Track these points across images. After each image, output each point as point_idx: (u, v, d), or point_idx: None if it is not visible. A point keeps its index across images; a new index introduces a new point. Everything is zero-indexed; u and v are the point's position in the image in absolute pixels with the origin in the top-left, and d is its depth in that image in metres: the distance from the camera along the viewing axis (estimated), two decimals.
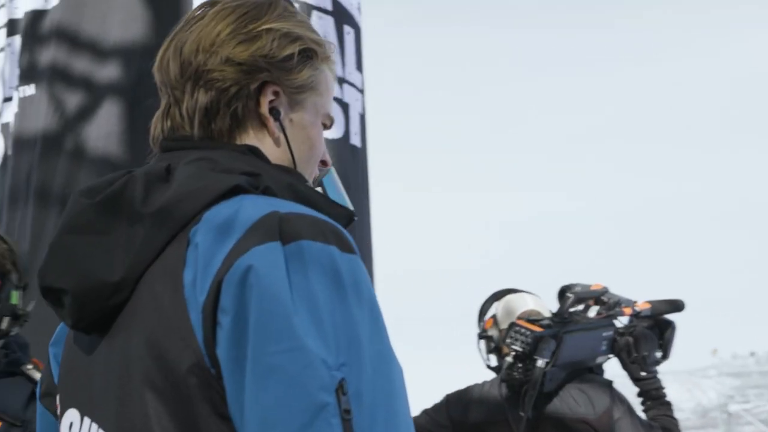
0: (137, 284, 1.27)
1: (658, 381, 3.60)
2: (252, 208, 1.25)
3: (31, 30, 3.80)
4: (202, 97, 1.38)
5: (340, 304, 1.21)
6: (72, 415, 1.37)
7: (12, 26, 3.91)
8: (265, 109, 1.40)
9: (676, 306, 3.72)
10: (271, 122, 1.41)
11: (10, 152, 3.84)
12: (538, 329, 3.43)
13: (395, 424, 1.21)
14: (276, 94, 1.41)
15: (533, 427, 3.50)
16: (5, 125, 3.90)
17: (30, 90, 3.77)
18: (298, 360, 1.17)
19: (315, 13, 3.76)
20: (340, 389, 1.17)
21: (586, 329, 3.54)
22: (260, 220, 1.22)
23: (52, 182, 3.61)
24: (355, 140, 3.87)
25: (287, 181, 1.35)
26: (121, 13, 3.71)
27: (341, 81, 3.81)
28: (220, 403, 1.21)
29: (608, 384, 3.58)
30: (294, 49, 1.42)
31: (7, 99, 3.91)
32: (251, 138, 1.40)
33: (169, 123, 1.42)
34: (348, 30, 3.91)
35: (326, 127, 1.52)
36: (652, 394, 3.58)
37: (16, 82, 3.84)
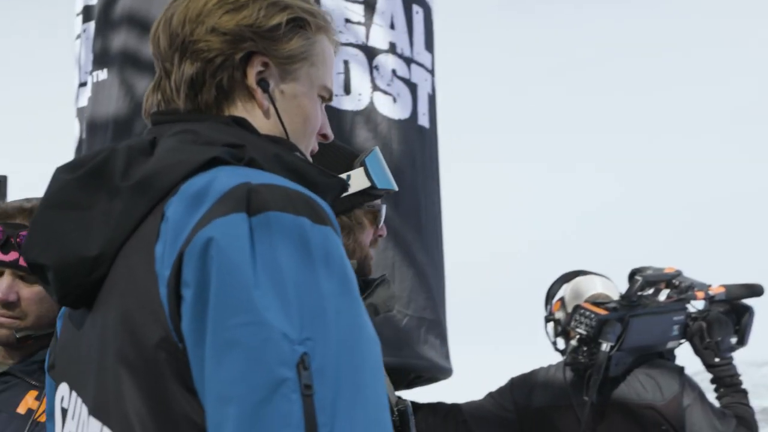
0: (116, 258, 1.27)
1: (733, 368, 3.49)
2: (225, 179, 1.23)
3: (104, 16, 3.86)
4: (189, 69, 1.37)
5: (307, 277, 1.18)
6: (63, 389, 1.38)
7: (87, 13, 3.98)
8: (252, 80, 1.38)
9: (754, 290, 3.60)
10: (259, 93, 1.39)
11: (84, 136, 3.90)
12: (602, 312, 3.35)
13: (362, 400, 1.17)
14: (265, 65, 1.39)
15: (599, 413, 3.43)
16: (81, 109, 3.96)
17: (103, 75, 3.82)
18: (257, 334, 1.15)
19: None
20: (302, 364, 1.14)
21: (655, 313, 3.45)
22: (229, 191, 1.20)
23: None
24: (423, 121, 3.81)
25: (273, 152, 1.33)
26: None
27: (409, 61, 3.77)
28: (189, 377, 1.19)
29: (678, 369, 3.49)
30: (282, 18, 1.39)
31: (83, 84, 3.96)
32: (239, 110, 1.38)
33: (159, 96, 1.41)
34: (417, 9, 3.87)
35: (325, 99, 1.48)
36: (726, 381, 3.47)
37: (90, 67, 3.90)
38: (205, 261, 1.17)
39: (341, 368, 1.17)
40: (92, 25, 3.94)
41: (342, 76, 3.59)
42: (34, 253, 1.32)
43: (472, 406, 3.62)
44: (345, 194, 2.33)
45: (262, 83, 1.38)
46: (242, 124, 1.36)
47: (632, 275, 3.52)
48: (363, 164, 2.36)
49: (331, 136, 1.52)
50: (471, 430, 3.57)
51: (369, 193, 2.34)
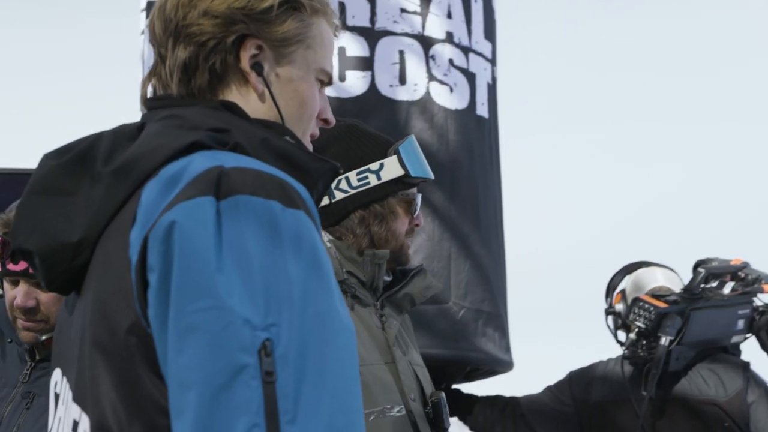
0: (97, 244, 1.27)
1: None
2: (199, 163, 1.21)
3: None
4: (182, 53, 1.36)
5: (275, 261, 1.16)
6: (57, 374, 1.39)
7: (150, 9, 4.04)
8: (245, 63, 1.36)
9: None
10: (253, 77, 1.37)
11: None
12: (662, 305, 3.27)
13: (328, 387, 1.14)
14: (259, 48, 1.37)
15: (659, 409, 3.35)
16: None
17: None
18: (218, 319, 1.13)
19: None
20: (263, 350, 1.12)
21: (719, 306, 3.34)
22: (200, 174, 1.19)
23: None
24: (481, 111, 3.75)
25: (261, 137, 1.30)
26: None
27: (467, 50, 3.72)
28: (157, 363, 1.18)
29: (743, 365, 3.38)
30: (274, 0, 1.38)
31: None
32: (234, 94, 1.37)
33: (155, 82, 1.41)
34: None
35: (323, 83, 1.46)
36: None
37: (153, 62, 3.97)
38: (168, 245, 1.16)
39: (306, 355, 1.14)
40: None
41: (397, 66, 3.55)
42: (19, 240, 1.32)
43: (530, 399, 3.58)
44: (378, 183, 2.33)
45: (257, 67, 1.37)
46: (231, 108, 1.35)
47: (696, 267, 3.43)
48: (396, 152, 2.34)
49: (333, 120, 1.50)
50: (529, 424, 3.54)
51: (403, 182, 2.34)
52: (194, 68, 1.36)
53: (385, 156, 2.33)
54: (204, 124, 1.29)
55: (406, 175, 2.32)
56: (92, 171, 1.28)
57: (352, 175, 2.29)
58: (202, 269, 1.15)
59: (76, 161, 1.30)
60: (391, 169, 2.32)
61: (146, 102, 1.41)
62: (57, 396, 1.38)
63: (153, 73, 1.41)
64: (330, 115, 1.49)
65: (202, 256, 1.15)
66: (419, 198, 2.40)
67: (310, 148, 1.46)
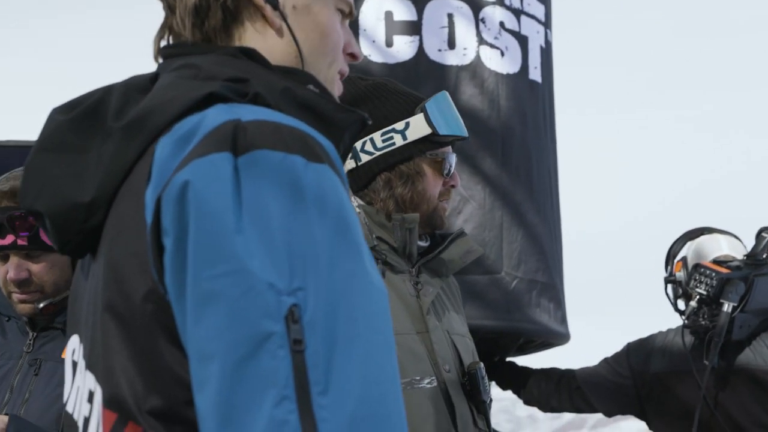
0: (111, 204, 1.19)
1: None
2: (215, 116, 1.13)
3: None
4: None
5: (298, 220, 1.07)
6: (74, 341, 1.33)
7: None
8: None
9: None
10: (269, 11, 1.29)
11: None
12: (725, 271, 3.17)
13: (360, 355, 1.06)
14: None
15: (722, 380, 3.26)
16: None
17: None
18: (238, 284, 1.04)
19: None
20: (291, 317, 1.04)
21: None
22: (214, 129, 1.11)
23: None
24: (534, 75, 3.66)
25: (282, 86, 1.22)
26: None
27: (518, 12, 3.63)
28: (176, 332, 1.10)
29: None
30: None
31: None
32: (250, 33, 1.30)
33: (167, 33, 1.33)
34: None
35: (345, 14, 1.37)
36: None
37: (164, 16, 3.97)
38: (183, 206, 1.08)
39: (336, 321, 1.05)
40: None
41: (446, 30, 3.47)
42: (28, 201, 1.26)
43: (586, 372, 3.53)
44: (403, 143, 2.24)
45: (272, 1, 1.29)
46: (251, 55, 1.27)
47: (759, 233, 3.31)
48: (423, 110, 2.24)
49: (360, 55, 1.41)
50: (585, 397, 3.49)
51: (431, 141, 2.24)
52: (206, 9, 1.28)
53: (411, 114, 2.24)
54: (221, 73, 1.21)
55: (434, 133, 2.23)
56: (103, 126, 1.21)
57: (377, 135, 2.21)
58: (220, 231, 1.06)
59: (85, 116, 1.23)
60: (417, 127, 2.23)
61: (160, 50, 1.34)
62: (75, 364, 1.31)
63: (164, 26, 1.34)
64: (357, 50, 1.40)
65: (220, 217, 1.06)
66: (452, 158, 2.29)
67: (340, 85, 1.39)
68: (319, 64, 1.33)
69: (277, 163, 1.09)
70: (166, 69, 1.26)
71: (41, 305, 2.38)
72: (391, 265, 2.20)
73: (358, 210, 2.19)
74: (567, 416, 15.46)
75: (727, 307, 3.15)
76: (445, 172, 2.26)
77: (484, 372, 2.21)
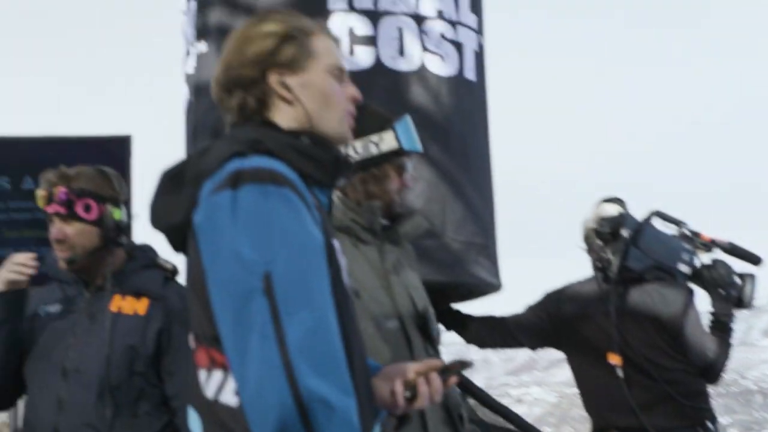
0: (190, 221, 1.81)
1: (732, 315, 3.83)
2: (231, 166, 1.70)
3: None
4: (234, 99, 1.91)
5: (268, 215, 1.62)
6: None
7: None
8: (275, 86, 1.86)
9: (753, 258, 3.91)
10: (285, 93, 1.84)
11: (192, 98, 4.40)
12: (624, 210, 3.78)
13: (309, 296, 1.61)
14: (281, 73, 1.87)
15: (620, 318, 3.78)
16: (188, 76, 4.44)
17: (203, 46, 4.30)
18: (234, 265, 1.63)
19: None
20: (267, 278, 1.58)
21: (667, 235, 3.84)
22: (227, 174, 1.68)
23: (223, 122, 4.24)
24: (469, 75, 4.19)
25: (286, 141, 1.78)
26: None
27: (455, 24, 4.17)
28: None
29: (688, 290, 3.82)
30: (275, 42, 1.87)
31: (188, 54, 4.45)
32: (275, 108, 1.84)
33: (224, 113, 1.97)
34: None
35: (339, 75, 1.87)
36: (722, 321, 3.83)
37: (193, 39, 4.37)
38: (200, 223, 1.70)
39: (292, 276, 1.58)
40: (193, 3, 4.43)
41: (397, 41, 3.99)
42: (151, 223, 1.89)
43: (514, 317, 4.05)
44: (377, 153, 2.87)
45: (283, 86, 1.87)
46: (270, 125, 1.83)
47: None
48: (393, 129, 2.84)
49: (360, 97, 1.89)
50: (514, 335, 4.01)
51: (397, 153, 2.84)
52: (246, 106, 1.87)
53: (383, 129, 2.82)
54: (246, 138, 1.76)
55: (400, 148, 2.83)
56: (183, 179, 1.82)
57: (357, 144, 2.79)
58: (222, 234, 1.63)
59: (175, 173, 1.85)
60: (387, 142, 2.81)
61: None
62: None
63: (222, 109, 1.95)
64: (356, 93, 1.89)
65: (222, 224, 1.64)
66: (409, 165, 2.90)
67: (351, 121, 1.89)
68: (327, 117, 1.85)
69: (256, 188, 1.64)
70: (225, 135, 1.88)
71: (71, 257, 2.88)
72: (361, 239, 2.78)
73: (336, 201, 2.77)
74: (520, 359, 15.98)
75: (624, 232, 3.73)
76: (404, 176, 2.89)
77: (432, 315, 2.83)
